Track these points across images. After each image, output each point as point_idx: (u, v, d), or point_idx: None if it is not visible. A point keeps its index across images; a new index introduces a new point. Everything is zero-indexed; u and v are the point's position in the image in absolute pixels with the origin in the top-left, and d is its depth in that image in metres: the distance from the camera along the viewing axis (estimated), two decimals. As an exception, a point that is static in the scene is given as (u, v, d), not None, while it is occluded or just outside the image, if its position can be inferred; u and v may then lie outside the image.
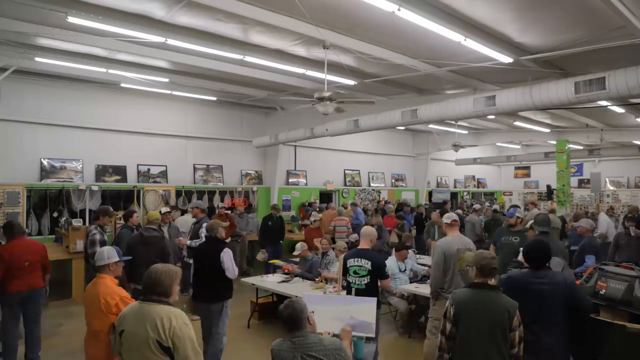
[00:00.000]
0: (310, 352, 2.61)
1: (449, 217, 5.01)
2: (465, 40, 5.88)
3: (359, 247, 4.70)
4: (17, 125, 9.39)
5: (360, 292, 4.31)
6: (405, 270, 6.82)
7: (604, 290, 3.88)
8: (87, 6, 5.66)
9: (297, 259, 7.68)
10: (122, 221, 7.12)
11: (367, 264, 4.48)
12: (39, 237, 9.20)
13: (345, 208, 11.88)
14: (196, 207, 7.85)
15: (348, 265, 4.54)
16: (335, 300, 4.15)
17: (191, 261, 6.80)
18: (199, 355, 2.61)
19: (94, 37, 6.60)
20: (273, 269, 8.12)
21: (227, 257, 4.87)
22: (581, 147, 16.00)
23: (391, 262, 6.68)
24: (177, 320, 2.57)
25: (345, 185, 15.49)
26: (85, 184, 10.08)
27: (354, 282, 4.48)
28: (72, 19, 5.66)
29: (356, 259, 4.52)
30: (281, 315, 2.72)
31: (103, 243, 5.52)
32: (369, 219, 10.95)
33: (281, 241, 9.89)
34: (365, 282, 4.45)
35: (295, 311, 2.69)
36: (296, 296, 5.39)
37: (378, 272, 4.51)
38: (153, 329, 2.53)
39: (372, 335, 3.83)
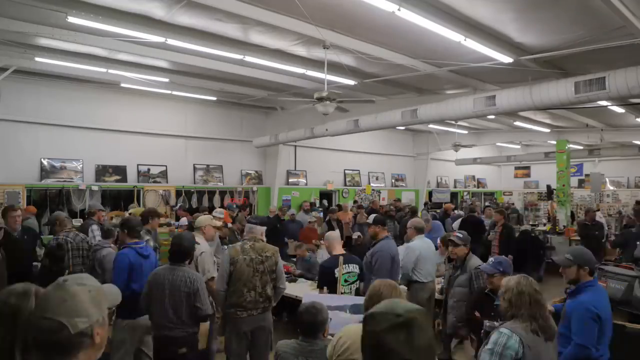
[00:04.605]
0: (312, 357, 2.62)
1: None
2: (465, 40, 5.87)
3: (340, 253, 4.42)
4: (17, 125, 9.39)
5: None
6: None
7: (604, 290, 3.87)
8: (87, 6, 5.66)
9: (295, 259, 7.66)
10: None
11: (356, 269, 4.39)
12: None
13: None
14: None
15: (337, 275, 4.20)
16: (335, 299, 4.14)
17: None
18: None
19: (94, 37, 6.59)
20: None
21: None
22: (581, 147, 15.99)
23: None
24: None
25: (345, 185, 15.48)
26: (85, 184, 10.07)
27: (344, 291, 4.20)
28: (72, 19, 5.66)
29: (348, 265, 4.32)
30: (301, 319, 2.71)
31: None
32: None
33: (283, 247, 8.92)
34: (356, 287, 4.35)
35: (317, 321, 2.68)
36: (296, 296, 5.39)
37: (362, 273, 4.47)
38: None
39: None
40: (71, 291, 1.32)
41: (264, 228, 4.37)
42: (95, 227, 6.71)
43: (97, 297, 1.36)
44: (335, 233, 4.80)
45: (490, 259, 3.90)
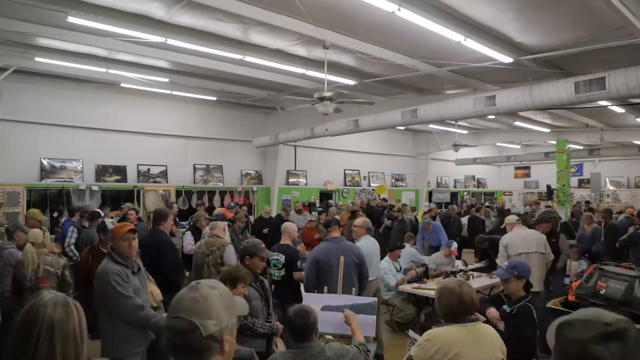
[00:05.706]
0: None
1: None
2: (465, 40, 5.88)
3: (280, 243, 5.09)
4: (17, 125, 9.38)
5: (277, 282, 4.88)
6: (400, 269, 6.79)
7: (604, 290, 3.88)
8: (87, 6, 5.66)
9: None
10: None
11: (282, 258, 4.93)
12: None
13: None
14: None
15: (270, 258, 4.84)
16: (336, 299, 4.14)
17: None
18: None
19: (94, 37, 6.59)
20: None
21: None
22: (581, 147, 16.01)
23: (387, 264, 6.66)
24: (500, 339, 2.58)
25: (345, 185, 15.48)
26: (85, 184, 10.07)
27: (273, 273, 4.94)
28: (72, 19, 5.66)
29: (275, 254, 4.97)
30: (292, 324, 2.60)
31: None
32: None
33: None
34: (282, 274, 4.87)
35: (308, 322, 2.60)
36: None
37: (290, 265, 4.88)
38: (496, 349, 2.46)
39: (373, 334, 3.83)
40: (204, 293, 1.28)
41: (225, 223, 5.06)
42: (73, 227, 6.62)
43: (228, 303, 1.31)
44: (287, 225, 5.20)
45: (505, 263, 3.72)
